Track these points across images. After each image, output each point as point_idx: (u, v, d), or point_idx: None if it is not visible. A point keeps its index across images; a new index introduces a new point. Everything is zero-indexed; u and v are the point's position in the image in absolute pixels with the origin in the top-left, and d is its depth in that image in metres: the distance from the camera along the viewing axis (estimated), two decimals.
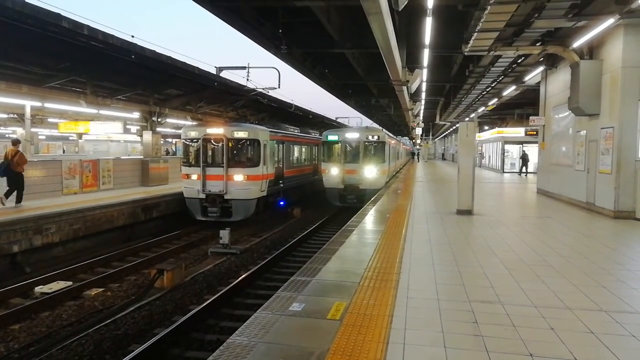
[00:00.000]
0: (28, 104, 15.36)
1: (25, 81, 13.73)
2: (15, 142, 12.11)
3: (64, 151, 41.38)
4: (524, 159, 28.06)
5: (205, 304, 7.62)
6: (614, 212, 10.59)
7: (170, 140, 41.65)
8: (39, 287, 8.62)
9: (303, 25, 14.66)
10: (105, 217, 12.25)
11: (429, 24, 10.52)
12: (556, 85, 14.82)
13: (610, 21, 9.56)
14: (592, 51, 11.73)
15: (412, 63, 15.52)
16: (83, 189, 14.73)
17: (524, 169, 27.97)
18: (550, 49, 12.22)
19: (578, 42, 11.19)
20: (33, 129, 22.69)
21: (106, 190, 15.63)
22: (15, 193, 11.55)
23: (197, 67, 14.96)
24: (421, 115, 34.11)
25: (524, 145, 29.73)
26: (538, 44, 12.54)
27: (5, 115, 21.09)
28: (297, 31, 14.96)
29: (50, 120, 22.18)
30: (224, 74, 17.12)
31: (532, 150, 27.99)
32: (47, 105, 15.54)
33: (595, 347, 3.70)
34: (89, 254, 11.28)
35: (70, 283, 8.96)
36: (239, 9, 12.69)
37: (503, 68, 16.56)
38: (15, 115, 20.29)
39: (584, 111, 11.69)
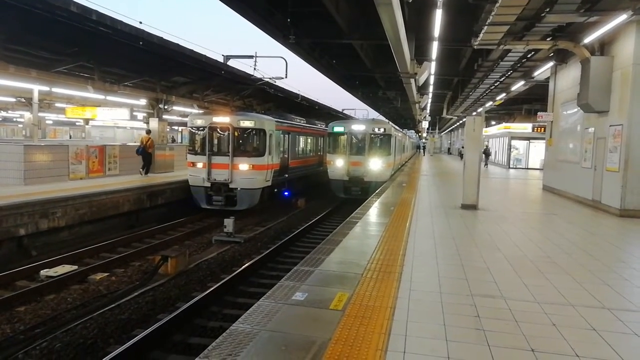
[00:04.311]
0: (36, 88, 15.38)
1: (34, 65, 13.76)
2: (148, 132, 17.16)
3: (70, 136, 41.58)
4: (486, 152, 31.69)
5: (208, 291, 7.68)
6: (619, 210, 10.53)
7: (176, 128, 41.72)
8: (44, 270, 8.71)
9: (312, 15, 14.56)
10: (111, 203, 12.31)
11: (439, 16, 10.42)
12: (566, 81, 14.68)
13: (622, 17, 9.43)
14: (603, 47, 11.59)
15: (420, 55, 15.41)
16: (89, 174, 14.80)
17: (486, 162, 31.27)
18: (560, 44, 12.08)
19: (589, 38, 11.05)
20: (40, 114, 22.76)
21: (112, 176, 15.71)
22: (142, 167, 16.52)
23: (205, 55, 14.94)
24: (428, 108, 33.96)
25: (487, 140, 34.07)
26: (548, 39, 12.40)
27: (13, 99, 21.16)
28: (306, 21, 14.86)
29: (58, 105, 22.21)
30: (232, 63, 17.11)
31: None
32: (55, 90, 15.57)
33: (597, 344, 3.70)
34: (95, 239, 11.37)
35: (75, 267, 9.05)
36: None
37: (512, 62, 16.41)
38: (23, 99, 20.36)
39: (593, 108, 11.59)
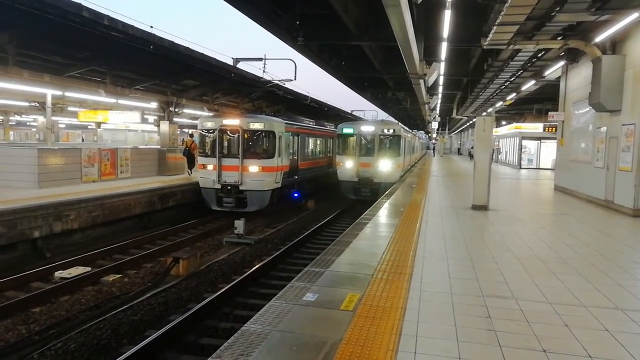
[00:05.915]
0: (49, 93, 15.60)
1: (47, 70, 13.97)
2: (191, 135, 19.15)
3: (83, 140, 42.01)
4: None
5: (219, 293, 7.73)
6: (633, 210, 10.40)
7: (186, 130, 42.01)
8: (58, 272, 8.84)
9: (320, 17, 14.59)
10: (123, 205, 12.45)
11: (447, 16, 10.39)
12: (577, 81, 14.55)
13: (634, 15, 9.34)
14: (614, 46, 11.47)
15: (429, 56, 15.35)
16: (102, 177, 14.98)
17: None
18: (571, 43, 11.98)
19: (600, 37, 10.95)
20: (53, 118, 23.04)
21: (124, 178, 15.88)
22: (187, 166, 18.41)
23: (214, 58, 15.06)
24: (437, 109, 33.77)
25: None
26: (559, 38, 12.31)
27: (27, 104, 21.50)
28: (314, 23, 14.87)
29: (70, 109, 22.51)
30: (241, 65, 17.18)
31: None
32: (68, 94, 15.79)
33: (610, 345, 3.68)
34: (107, 241, 11.51)
35: (89, 269, 9.17)
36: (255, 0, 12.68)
37: (522, 62, 16.27)
38: (37, 104, 20.67)
39: (605, 107, 11.48)
